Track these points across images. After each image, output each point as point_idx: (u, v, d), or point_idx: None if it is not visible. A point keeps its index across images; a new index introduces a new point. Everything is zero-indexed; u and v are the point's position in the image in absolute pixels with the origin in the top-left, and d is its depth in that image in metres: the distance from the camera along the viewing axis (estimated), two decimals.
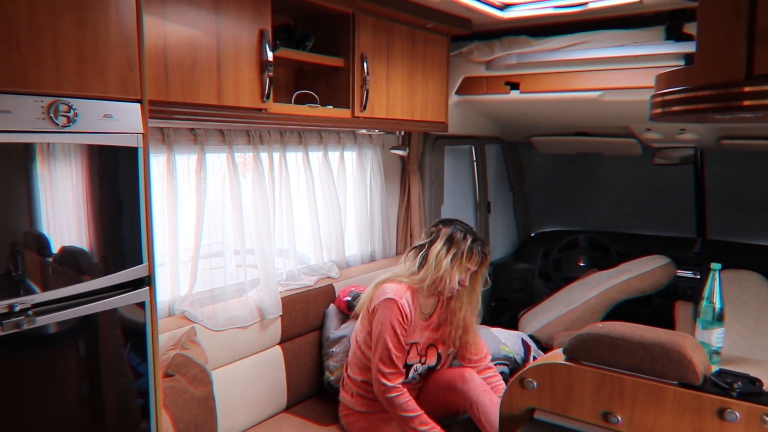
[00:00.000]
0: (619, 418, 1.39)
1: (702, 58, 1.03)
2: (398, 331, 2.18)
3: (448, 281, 2.21)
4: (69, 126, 1.27)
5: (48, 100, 1.24)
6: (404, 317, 2.19)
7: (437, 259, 2.22)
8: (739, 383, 1.29)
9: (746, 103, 0.95)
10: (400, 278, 2.27)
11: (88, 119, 1.31)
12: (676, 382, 1.34)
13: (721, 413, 1.27)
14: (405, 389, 2.18)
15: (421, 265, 2.25)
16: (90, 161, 1.36)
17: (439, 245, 2.24)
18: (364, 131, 2.83)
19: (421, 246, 2.31)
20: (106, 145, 1.36)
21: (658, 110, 1.13)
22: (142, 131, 1.42)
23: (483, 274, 2.33)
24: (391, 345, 2.16)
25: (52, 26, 1.23)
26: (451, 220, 2.34)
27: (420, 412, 2.14)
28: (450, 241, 2.24)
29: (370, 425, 2.28)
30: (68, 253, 1.34)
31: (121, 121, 1.38)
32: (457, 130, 3.20)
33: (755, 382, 1.30)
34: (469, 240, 2.24)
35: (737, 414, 1.25)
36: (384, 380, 2.15)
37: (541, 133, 3.67)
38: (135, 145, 1.41)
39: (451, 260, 2.21)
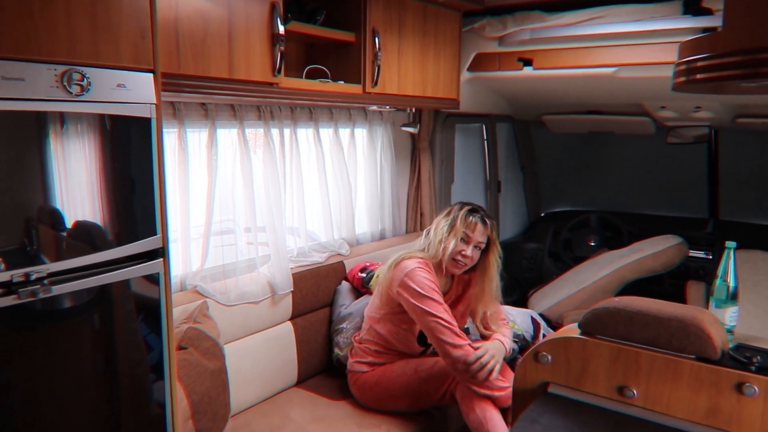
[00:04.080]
0: (635, 391, 1.38)
1: (730, 24, 1.00)
2: (437, 298, 2.16)
3: (443, 249, 2.23)
4: (82, 95, 1.26)
5: (61, 68, 1.23)
6: (435, 282, 2.21)
7: (436, 229, 2.29)
8: (758, 357, 1.28)
9: None
10: (414, 253, 2.29)
11: (102, 88, 1.30)
12: (693, 356, 1.33)
13: (739, 387, 1.26)
14: None
15: (427, 239, 2.32)
16: (103, 132, 1.35)
17: (440, 217, 2.32)
18: (374, 108, 2.81)
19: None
20: (120, 115, 1.35)
21: (682, 79, 1.10)
22: (155, 102, 1.41)
23: (495, 257, 2.32)
24: (440, 312, 2.13)
25: None
26: (465, 202, 2.36)
27: None
28: (449, 212, 2.30)
29: (380, 375, 2.30)
30: (82, 226, 1.34)
31: (134, 91, 1.36)
32: (469, 108, 3.17)
33: None
34: (467, 208, 2.27)
35: (756, 388, 1.24)
36: (456, 351, 2.09)
37: (553, 112, 3.63)
38: (148, 116, 1.40)
39: (448, 227, 2.25)
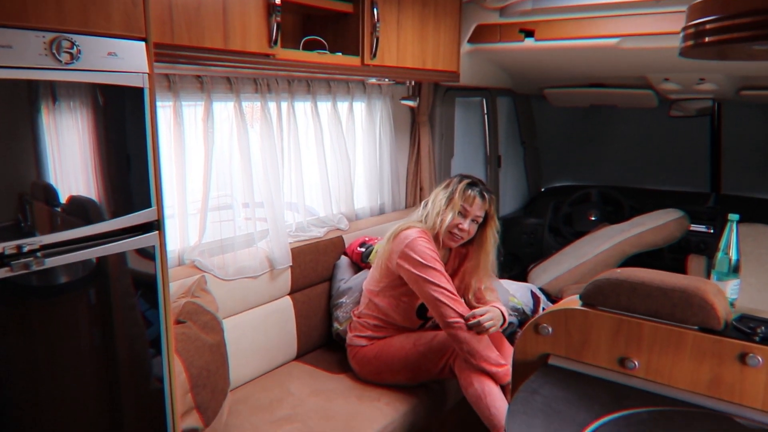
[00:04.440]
0: (636, 363, 1.38)
1: None
2: (439, 268, 2.16)
3: (440, 221, 2.20)
4: (72, 63, 1.22)
5: (50, 35, 1.19)
6: (436, 252, 2.19)
7: (434, 201, 2.27)
8: (762, 328, 1.26)
9: None
10: (413, 224, 2.28)
11: (92, 57, 1.26)
12: (696, 327, 1.32)
13: (742, 358, 1.25)
14: None
15: (425, 211, 2.30)
16: (95, 103, 1.32)
17: (438, 189, 2.30)
18: (373, 81, 2.76)
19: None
20: (112, 85, 1.32)
21: (690, 43, 1.07)
22: (147, 71, 1.37)
23: (493, 232, 2.30)
24: (443, 282, 2.13)
25: None
26: (465, 175, 2.34)
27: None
28: (448, 184, 2.28)
29: (379, 349, 2.30)
30: (76, 201, 1.32)
31: (126, 59, 1.33)
32: (469, 81, 3.12)
33: None
34: (466, 182, 2.24)
35: (760, 359, 1.23)
36: (457, 318, 2.10)
37: (555, 85, 3.57)
38: (141, 86, 1.37)
39: (446, 200, 2.22)
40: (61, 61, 1.21)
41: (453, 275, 2.36)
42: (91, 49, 1.26)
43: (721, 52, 1.18)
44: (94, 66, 1.27)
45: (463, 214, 2.22)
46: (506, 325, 2.25)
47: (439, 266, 2.17)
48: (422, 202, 2.37)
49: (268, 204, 2.39)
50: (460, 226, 2.22)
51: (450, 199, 2.22)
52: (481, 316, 2.11)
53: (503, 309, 2.24)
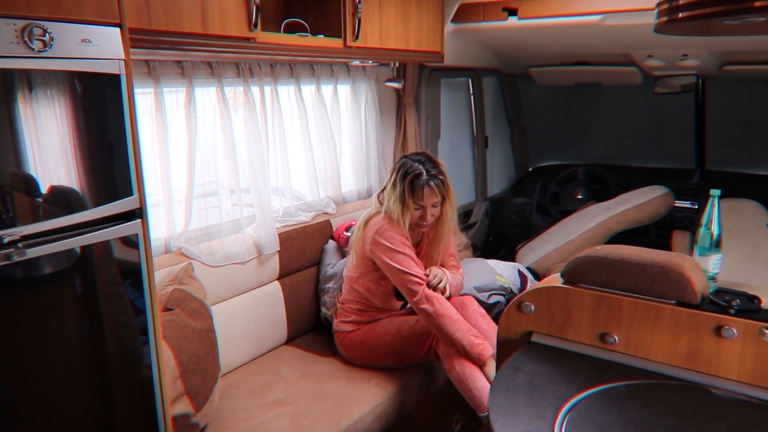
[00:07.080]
0: (616, 338, 1.40)
1: None
2: (408, 252, 2.20)
3: (404, 222, 2.21)
4: (45, 51, 1.21)
5: (21, 23, 1.17)
6: (404, 236, 2.22)
7: (389, 203, 2.24)
8: (738, 301, 1.29)
9: (757, 4, 0.89)
10: (381, 209, 2.29)
11: (65, 44, 1.25)
12: (673, 302, 1.34)
13: (718, 330, 1.28)
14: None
15: (384, 208, 2.28)
16: (72, 91, 1.31)
17: (388, 187, 2.26)
18: (357, 63, 2.75)
19: (381, 190, 2.34)
20: (87, 72, 1.30)
21: (664, 18, 1.07)
22: (123, 57, 1.36)
23: (449, 205, 2.29)
24: (412, 268, 2.18)
25: None
26: (405, 156, 2.32)
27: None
28: (395, 183, 2.23)
29: (364, 334, 2.33)
30: (57, 191, 1.31)
31: (101, 46, 1.31)
32: (454, 62, 3.11)
33: (753, 299, 1.30)
34: (410, 177, 2.19)
35: (734, 331, 1.26)
36: (427, 305, 2.14)
37: (540, 64, 3.57)
38: (117, 72, 1.35)
39: (399, 204, 2.20)
40: (33, 49, 1.19)
41: (426, 246, 2.39)
42: (64, 36, 1.24)
43: (695, 27, 1.19)
44: (68, 53, 1.25)
45: (420, 208, 2.22)
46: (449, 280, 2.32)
47: (408, 251, 2.21)
48: (376, 197, 2.36)
49: (254, 189, 2.39)
50: (422, 220, 2.25)
51: (403, 203, 2.20)
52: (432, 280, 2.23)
53: (446, 270, 2.34)
